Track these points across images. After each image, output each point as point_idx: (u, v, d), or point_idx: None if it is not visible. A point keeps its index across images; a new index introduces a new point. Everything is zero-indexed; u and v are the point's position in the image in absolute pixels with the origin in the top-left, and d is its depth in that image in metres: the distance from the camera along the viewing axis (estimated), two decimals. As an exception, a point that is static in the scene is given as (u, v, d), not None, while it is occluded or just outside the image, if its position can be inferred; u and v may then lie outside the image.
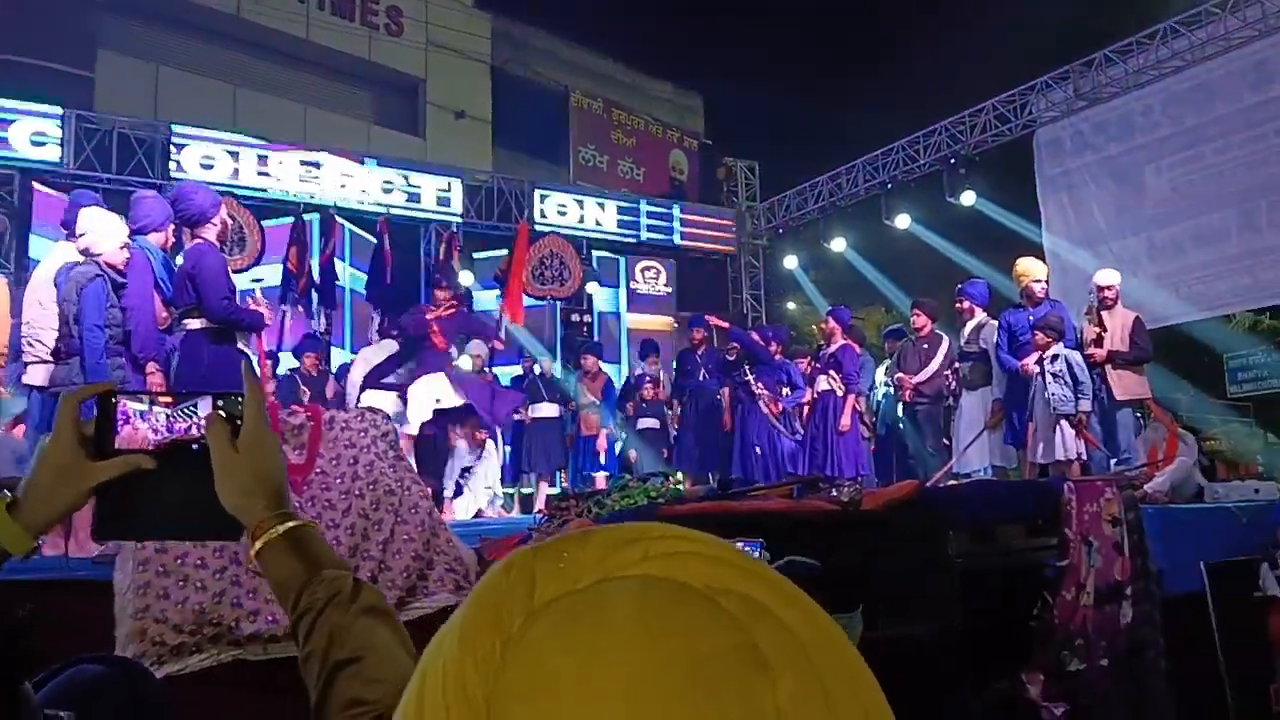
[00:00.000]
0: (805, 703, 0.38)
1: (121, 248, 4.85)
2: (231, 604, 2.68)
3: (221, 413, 0.96)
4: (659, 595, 0.40)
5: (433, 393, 7.39)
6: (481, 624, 0.41)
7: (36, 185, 10.05)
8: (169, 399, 0.93)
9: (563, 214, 13.65)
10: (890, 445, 8.61)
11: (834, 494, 3.56)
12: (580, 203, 13.96)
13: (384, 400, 7.65)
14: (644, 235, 14.40)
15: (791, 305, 16.82)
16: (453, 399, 7.43)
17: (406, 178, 12.55)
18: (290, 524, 0.93)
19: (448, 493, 8.07)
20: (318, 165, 11.84)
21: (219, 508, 0.94)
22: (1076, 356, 6.54)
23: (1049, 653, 3.82)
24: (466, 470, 8.52)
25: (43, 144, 10.35)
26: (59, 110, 10.49)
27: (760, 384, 8.52)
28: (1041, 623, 3.84)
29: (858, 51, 18.39)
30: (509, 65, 16.75)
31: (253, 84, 14.31)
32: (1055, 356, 6.47)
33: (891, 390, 8.60)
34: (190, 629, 2.61)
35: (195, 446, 0.96)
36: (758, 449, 8.38)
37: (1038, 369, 6.56)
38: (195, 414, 0.98)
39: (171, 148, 11.04)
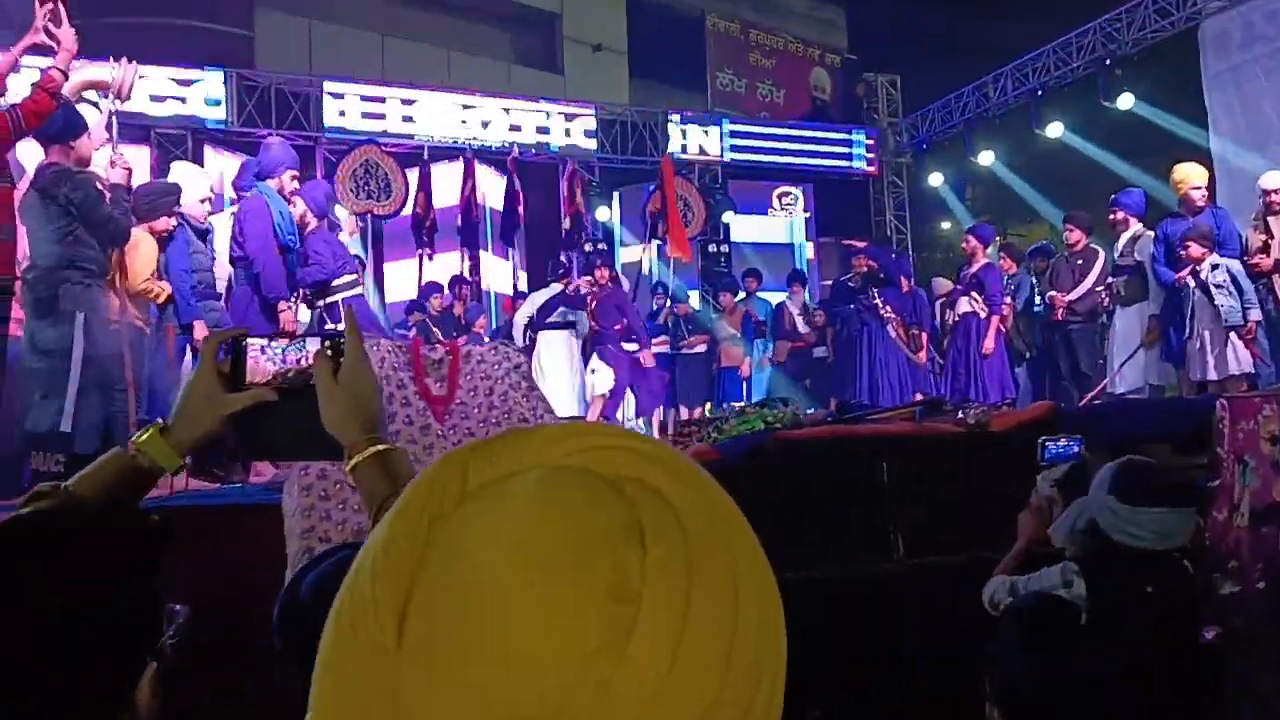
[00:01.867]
0: (667, 567, 0.44)
1: (202, 201, 5.31)
2: (383, 524, 2.95)
3: (327, 350, 1.11)
4: (563, 480, 0.47)
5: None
6: (415, 506, 0.48)
7: (207, 147, 10.71)
8: (285, 339, 1.13)
9: (697, 142, 13.57)
10: (1042, 367, 8.33)
11: (960, 416, 3.53)
12: (715, 128, 13.82)
13: (557, 339, 8.18)
14: (780, 159, 14.14)
15: (946, 225, 16.16)
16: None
17: (540, 115, 12.72)
18: (379, 446, 1.07)
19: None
20: (456, 108, 12.16)
21: (327, 433, 1.09)
22: (1237, 265, 6.12)
23: (1199, 574, 3.71)
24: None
25: (212, 104, 10.92)
26: (220, 71, 11.07)
27: (888, 307, 8.35)
28: (1191, 544, 3.72)
29: (1007, -52, 17.19)
30: (644, -9, 16.53)
31: (398, 32, 14.70)
32: (1215, 266, 6.09)
33: (1042, 309, 8.29)
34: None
35: (310, 383, 1.11)
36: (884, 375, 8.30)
37: (1192, 281, 6.19)
38: (305, 350, 1.14)
39: (325, 100, 11.55)
